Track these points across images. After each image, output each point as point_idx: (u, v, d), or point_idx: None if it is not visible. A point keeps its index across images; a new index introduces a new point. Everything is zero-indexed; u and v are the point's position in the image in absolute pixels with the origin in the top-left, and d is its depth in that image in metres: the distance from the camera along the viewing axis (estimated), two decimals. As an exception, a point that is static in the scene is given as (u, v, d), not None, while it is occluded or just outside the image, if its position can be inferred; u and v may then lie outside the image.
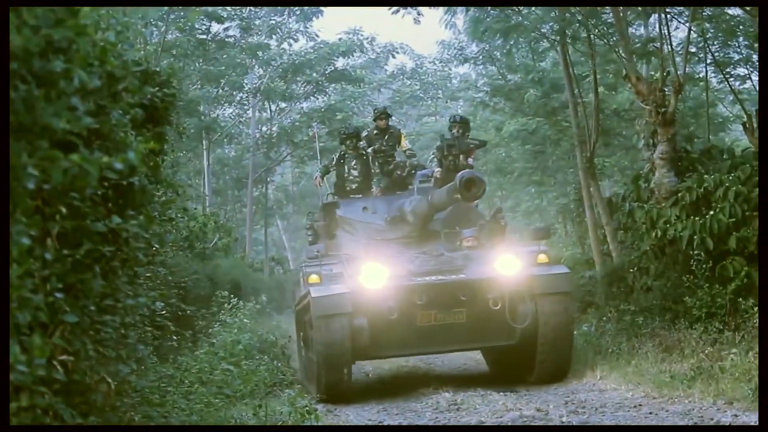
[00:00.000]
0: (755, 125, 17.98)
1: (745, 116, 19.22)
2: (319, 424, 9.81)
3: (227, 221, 35.98)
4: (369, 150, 18.37)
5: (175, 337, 9.90)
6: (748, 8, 18.10)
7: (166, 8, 28.92)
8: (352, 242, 16.78)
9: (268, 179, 46.91)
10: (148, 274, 7.74)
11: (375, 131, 18.73)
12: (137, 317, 7.48)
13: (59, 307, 4.97)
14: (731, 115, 27.08)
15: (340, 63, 43.91)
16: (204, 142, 38.47)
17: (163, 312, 8.46)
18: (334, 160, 18.48)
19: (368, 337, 14.58)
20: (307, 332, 16.00)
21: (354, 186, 18.18)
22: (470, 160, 17.84)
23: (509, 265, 14.92)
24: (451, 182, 15.08)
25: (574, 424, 11.17)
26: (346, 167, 18.26)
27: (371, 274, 14.56)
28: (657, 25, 20.71)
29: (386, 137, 18.64)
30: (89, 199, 5.30)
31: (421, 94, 60.14)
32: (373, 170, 18.25)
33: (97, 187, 5.17)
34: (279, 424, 9.97)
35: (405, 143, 18.79)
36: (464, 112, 44.80)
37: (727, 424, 10.44)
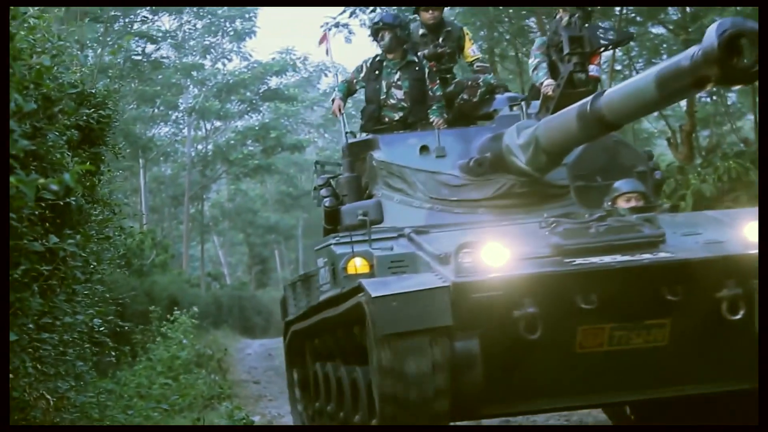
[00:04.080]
0: (679, 140, 18.22)
1: (669, 132, 19.52)
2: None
3: (164, 238, 35.78)
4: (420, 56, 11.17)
5: (113, 353, 9.84)
6: (671, 27, 18.34)
7: (102, 30, 28.79)
8: (402, 206, 9.90)
9: (204, 196, 46.77)
10: (86, 292, 7.70)
11: (421, 31, 11.46)
12: (76, 334, 7.43)
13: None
14: (656, 130, 27.41)
15: (274, 82, 44.02)
16: (140, 160, 38.24)
17: (102, 328, 8.41)
18: (363, 69, 11.20)
19: (481, 377, 7.58)
20: (329, 370, 9.81)
21: (398, 115, 10.92)
22: (595, 69, 10.42)
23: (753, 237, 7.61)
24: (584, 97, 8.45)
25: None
26: (384, 84, 11.06)
27: (490, 255, 7.63)
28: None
29: (441, 38, 11.46)
30: (26, 220, 5.27)
31: (353, 112, 59.99)
32: (430, 91, 10.96)
33: (34, 207, 5.14)
34: None
35: (472, 49, 11.73)
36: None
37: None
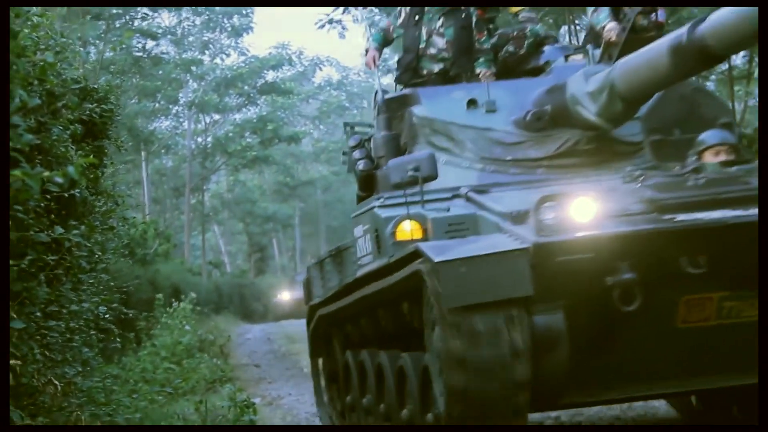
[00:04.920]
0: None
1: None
2: (258, 416, 9.80)
3: (166, 228, 35.75)
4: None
5: (119, 340, 9.85)
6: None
7: (104, 27, 28.72)
8: (449, 167, 8.18)
9: (204, 187, 46.74)
10: (91, 281, 7.70)
11: None
12: (82, 322, 7.44)
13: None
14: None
15: (270, 76, 44.01)
16: (142, 153, 38.20)
17: (107, 316, 8.42)
18: (402, 15, 9.58)
19: (567, 359, 6.28)
20: (364, 358, 8.74)
21: (438, 66, 9.35)
22: (661, 13, 8.95)
23: None
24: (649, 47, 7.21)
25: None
26: (424, 31, 9.40)
27: (579, 210, 6.27)
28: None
29: None
30: (32, 211, 5.27)
31: (347, 104, 60.45)
32: (477, 42, 9.40)
33: (39, 199, 5.14)
34: (220, 417, 9.94)
35: None
36: (388, 120, 44.83)
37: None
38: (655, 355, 6.48)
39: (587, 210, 6.21)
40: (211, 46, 41.54)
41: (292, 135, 44.03)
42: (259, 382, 16.82)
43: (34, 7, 6.45)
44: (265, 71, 43.35)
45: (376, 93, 9.09)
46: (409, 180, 7.39)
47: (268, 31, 69.96)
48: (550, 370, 6.20)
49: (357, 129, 9.77)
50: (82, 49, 26.21)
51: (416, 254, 6.43)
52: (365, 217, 8.01)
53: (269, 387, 16.17)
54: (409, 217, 7.19)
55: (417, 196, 7.32)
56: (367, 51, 9.57)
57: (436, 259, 6.03)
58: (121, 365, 13.16)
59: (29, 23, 6.08)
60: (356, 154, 9.11)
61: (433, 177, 7.52)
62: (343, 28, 25.49)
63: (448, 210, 7.31)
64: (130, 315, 10.88)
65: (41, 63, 5.51)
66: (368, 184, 8.88)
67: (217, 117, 44.14)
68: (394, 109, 8.82)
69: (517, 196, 7.12)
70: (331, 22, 24.89)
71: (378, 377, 8.27)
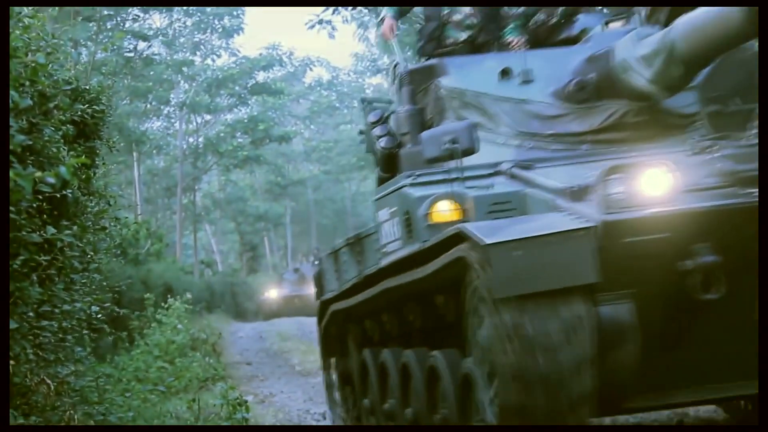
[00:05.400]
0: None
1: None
2: (250, 414, 9.78)
3: (158, 228, 35.67)
4: None
5: (111, 337, 9.83)
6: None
7: (95, 28, 28.64)
8: (482, 143, 7.01)
9: (196, 187, 46.68)
10: (83, 281, 7.66)
11: None
12: (74, 321, 7.40)
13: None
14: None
15: (261, 76, 44.08)
16: (134, 154, 38.15)
17: (99, 315, 8.39)
18: None
19: (636, 356, 5.53)
20: (386, 358, 8.02)
21: (464, 34, 8.45)
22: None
23: None
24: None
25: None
26: None
27: (652, 184, 5.52)
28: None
29: None
30: (25, 212, 5.25)
31: (337, 104, 60.53)
32: (506, 7, 8.52)
33: (31, 200, 5.12)
34: (213, 416, 9.92)
35: None
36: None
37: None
38: (732, 351, 5.63)
39: (661, 183, 5.35)
40: (202, 47, 41.54)
41: (282, 135, 44.00)
42: (252, 380, 16.82)
43: (25, 8, 6.41)
44: (256, 72, 43.38)
45: (396, 65, 8.34)
46: (445, 154, 6.62)
47: (259, 31, 70.00)
48: (616, 370, 5.34)
49: (375, 105, 8.86)
50: (73, 50, 26.18)
51: (459, 237, 5.59)
52: (392, 198, 7.18)
53: (261, 384, 16.17)
54: (446, 195, 6.43)
55: (454, 173, 6.56)
56: (382, 21, 8.65)
57: (487, 241, 5.19)
58: (113, 364, 13.13)
59: (20, 24, 6.05)
60: (377, 130, 8.25)
61: (473, 150, 6.72)
62: (333, 28, 25.49)
63: (491, 188, 6.49)
64: (123, 314, 10.84)
65: (33, 64, 5.48)
66: (391, 164, 8.03)
67: (208, 117, 44.13)
68: (418, 81, 7.97)
69: (568, 171, 6.35)
70: (321, 22, 24.89)
71: (403, 379, 7.42)
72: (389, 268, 7.15)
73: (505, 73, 7.64)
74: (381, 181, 8.20)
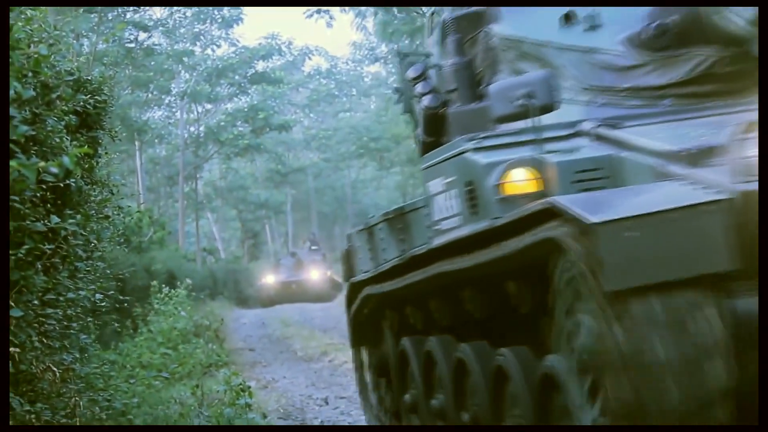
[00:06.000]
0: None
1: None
2: (253, 399, 9.79)
3: (161, 216, 35.68)
4: None
5: (116, 324, 9.85)
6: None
7: (96, 20, 28.61)
8: None
9: (197, 176, 46.68)
10: (87, 269, 7.66)
11: None
12: (79, 309, 7.41)
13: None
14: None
15: (260, 66, 44.07)
16: (136, 143, 38.14)
17: (104, 303, 8.39)
18: None
19: None
20: (433, 348, 7.04)
21: None
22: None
23: None
24: None
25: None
26: None
27: None
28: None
29: None
30: (29, 201, 5.25)
31: (336, 93, 60.53)
32: None
33: (35, 189, 5.12)
34: (216, 401, 9.94)
35: None
36: (376, 107, 45.06)
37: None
38: None
39: None
40: (202, 37, 41.54)
41: (282, 123, 43.99)
42: (254, 366, 16.85)
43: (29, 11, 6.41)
44: (256, 61, 43.40)
45: (433, 13, 7.34)
46: (518, 111, 5.63)
47: (258, 21, 69.83)
48: (753, 375, 4.18)
49: (413, 59, 7.60)
50: (75, 41, 26.17)
51: (549, 213, 4.56)
52: (449, 166, 6.07)
53: (264, 370, 16.20)
54: (522, 162, 5.39)
55: (527, 135, 5.58)
56: None
57: (594, 219, 4.17)
58: (118, 351, 13.13)
59: (23, 16, 6.05)
60: (418, 87, 7.09)
61: (552, 106, 5.72)
62: (331, 17, 25.51)
63: (575, 152, 5.45)
64: (126, 302, 10.84)
65: (35, 55, 5.47)
66: (435, 126, 6.94)
67: (209, 106, 44.14)
68: (465, 29, 6.81)
69: (665, 130, 5.34)
70: (319, 11, 24.92)
71: (457, 375, 6.51)
72: (445, 248, 6.06)
73: (568, 18, 6.44)
74: (424, 147, 7.05)
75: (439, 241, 6.25)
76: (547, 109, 5.66)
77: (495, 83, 6.07)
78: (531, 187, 5.36)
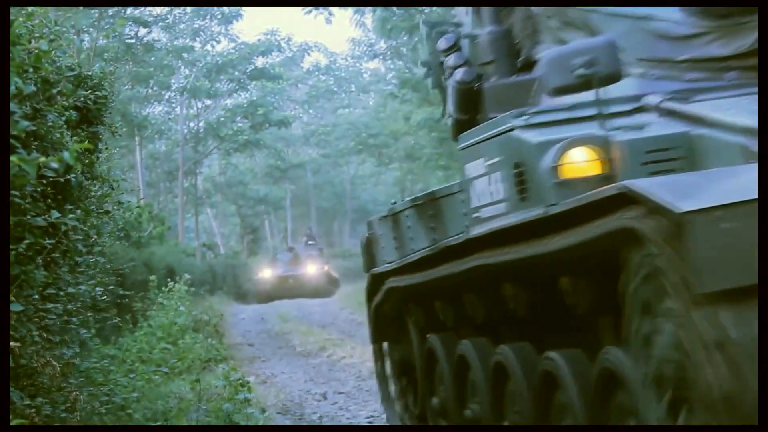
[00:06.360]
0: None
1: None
2: (252, 394, 9.78)
3: (160, 211, 35.67)
4: None
5: (116, 319, 9.84)
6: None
7: (96, 15, 28.58)
8: None
9: (197, 171, 46.66)
10: (88, 264, 7.66)
11: None
12: (79, 304, 7.41)
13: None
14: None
15: (260, 62, 44.12)
16: (136, 138, 38.14)
17: (104, 298, 8.40)
18: None
19: None
20: (465, 350, 6.43)
21: None
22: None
23: None
24: None
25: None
26: None
27: None
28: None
29: None
30: (29, 196, 5.24)
31: (335, 89, 60.51)
32: None
33: (36, 184, 5.12)
34: (215, 396, 9.93)
35: None
36: (375, 103, 45.03)
37: None
38: None
39: None
40: (201, 33, 41.55)
41: (282, 119, 43.99)
42: (253, 361, 16.84)
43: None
44: (255, 57, 43.42)
45: None
46: (578, 83, 5.04)
47: (257, 17, 69.88)
48: None
49: (443, 29, 6.90)
50: (75, 37, 26.15)
51: (624, 198, 3.91)
52: (492, 145, 5.39)
53: (263, 365, 16.20)
54: (583, 140, 4.73)
55: (584, 110, 4.96)
56: None
57: (684, 207, 3.53)
58: (117, 346, 13.12)
59: (24, 12, 6.04)
60: (450, 60, 6.45)
61: (617, 76, 5.14)
62: (330, 14, 25.52)
63: (643, 128, 4.78)
64: (126, 297, 10.84)
65: (36, 51, 5.47)
66: (472, 102, 6.32)
67: (208, 102, 44.15)
68: None
69: (739, 105, 4.70)
70: (318, 7, 24.92)
71: (494, 379, 5.91)
72: (487, 238, 5.39)
73: None
74: (458, 126, 6.44)
75: (478, 230, 5.57)
76: (611, 79, 5.07)
77: (550, 51, 5.54)
78: (593, 169, 4.69)
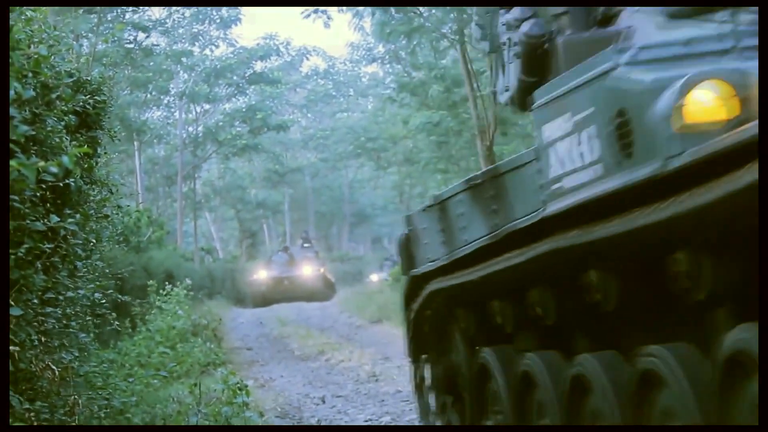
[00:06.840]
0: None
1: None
2: (251, 398, 9.78)
3: (159, 216, 35.68)
4: None
5: (116, 322, 9.83)
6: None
7: (95, 20, 28.60)
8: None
9: (196, 175, 46.68)
10: (86, 268, 7.67)
11: None
12: (78, 308, 7.42)
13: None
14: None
15: (259, 66, 44.16)
16: (135, 143, 38.15)
17: (103, 302, 8.40)
18: None
19: None
20: (533, 365, 5.33)
21: None
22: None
23: None
24: None
25: None
26: None
27: None
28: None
29: None
30: (28, 201, 5.25)
31: (333, 93, 60.55)
32: None
33: (35, 189, 5.12)
34: (214, 400, 9.93)
35: None
36: (373, 107, 45.05)
37: None
38: None
39: None
40: (200, 37, 41.58)
41: (280, 123, 44.01)
42: (252, 365, 16.85)
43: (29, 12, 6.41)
44: (254, 62, 43.47)
45: None
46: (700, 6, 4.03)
47: (256, 21, 69.97)
48: None
49: None
50: (75, 42, 26.15)
51: None
52: (583, 95, 4.31)
53: (261, 369, 16.20)
54: (713, 73, 3.62)
55: (707, 44, 3.91)
56: None
57: None
58: (116, 350, 13.12)
59: (23, 17, 6.05)
60: (515, 13, 5.54)
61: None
62: (329, 17, 25.53)
63: None
64: (125, 301, 10.84)
65: (35, 56, 5.47)
66: (541, 61, 5.37)
67: (207, 107, 44.15)
68: None
69: None
70: (316, 11, 24.93)
71: (571, 396, 4.77)
72: (572, 213, 4.32)
73: None
74: (523, 89, 5.56)
75: (559, 205, 4.51)
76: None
77: None
78: (728, 110, 3.57)
